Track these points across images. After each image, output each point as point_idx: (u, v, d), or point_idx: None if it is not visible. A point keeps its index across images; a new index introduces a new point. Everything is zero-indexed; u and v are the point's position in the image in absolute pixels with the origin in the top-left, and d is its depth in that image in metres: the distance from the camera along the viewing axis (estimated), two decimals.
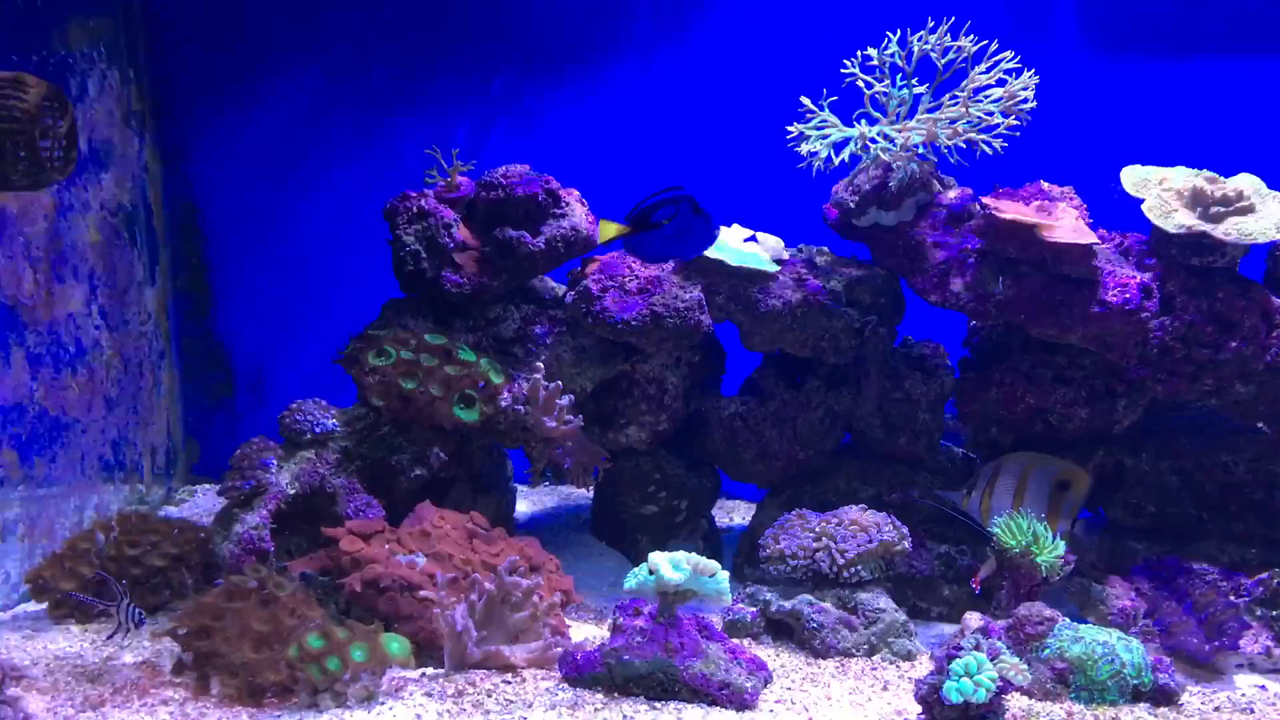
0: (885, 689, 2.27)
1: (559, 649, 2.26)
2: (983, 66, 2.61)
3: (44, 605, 2.53)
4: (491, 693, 2.12)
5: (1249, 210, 2.55)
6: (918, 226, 2.77)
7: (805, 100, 2.72)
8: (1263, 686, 2.37)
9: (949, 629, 2.64)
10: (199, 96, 3.66)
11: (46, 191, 2.84)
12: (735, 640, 2.51)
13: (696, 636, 2.19)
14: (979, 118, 2.60)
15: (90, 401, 3.12)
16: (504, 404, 2.75)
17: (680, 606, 2.21)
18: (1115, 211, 2.74)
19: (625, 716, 2.02)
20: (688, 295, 2.75)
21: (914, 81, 2.70)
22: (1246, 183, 2.62)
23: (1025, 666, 2.02)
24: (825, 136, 2.68)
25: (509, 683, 2.18)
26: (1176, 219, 2.55)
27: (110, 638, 2.30)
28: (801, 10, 3.61)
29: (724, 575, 2.20)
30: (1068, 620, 2.32)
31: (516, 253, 2.79)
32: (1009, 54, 2.61)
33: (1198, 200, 2.57)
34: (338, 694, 2.05)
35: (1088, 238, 2.53)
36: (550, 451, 2.83)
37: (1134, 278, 2.58)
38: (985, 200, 2.66)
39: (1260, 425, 2.80)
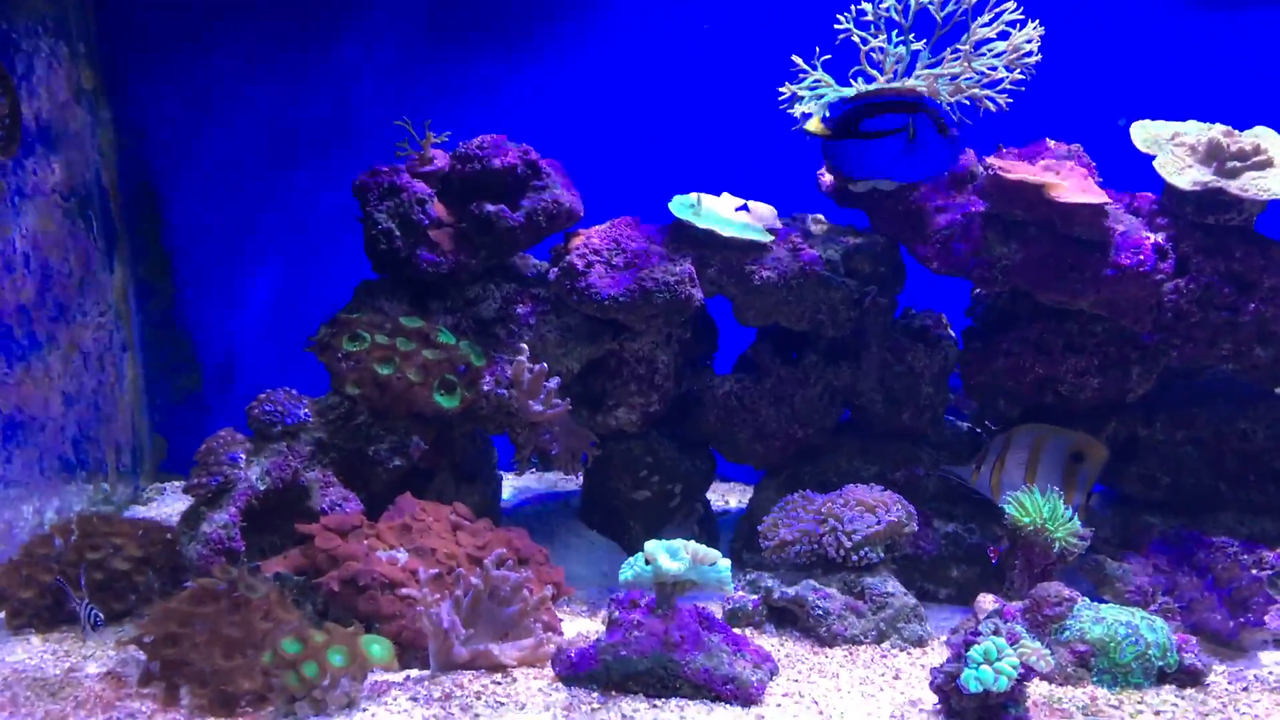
0: (897, 678, 2.15)
1: (552, 646, 2.14)
2: (985, 18, 2.48)
3: (1, 615, 2.38)
4: (481, 695, 2.00)
5: (1268, 164, 2.43)
6: (918, 190, 2.63)
7: (798, 59, 2.58)
8: None
9: (959, 612, 2.53)
10: (156, 73, 3.47)
11: None
12: (737, 630, 2.39)
13: (697, 629, 2.07)
14: (982, 73, 2.46)
15: (47, 398, 2.95)
16: (486, 388, 2.62)
17: (679, 597, 2.08)
18: (1124, 170, 2.62)
19: (624, 716, 1.91)
20: (678, 268, 2.61)
21: (911, 37, 2.56)
22: (1265, 135, 2.51)
23: (1047, 652, 1.91)
24: (820, 97, 2.54)
25: (499, 683, 2.06)
26: (1191, 175, 2.43)
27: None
28: None
29: (725, 564, 2.08)
30: (1087, 600, 2.21)
31: (495, 228, 2.64)
32: (1011, 4, 2.47)
33: (1213, 155, 2.45)
34: (316, 701, 1.94)
35: (1098, 197, 2.40)
36: (536, 437, 2.69)
37: (1148, 238, 2.45)
38: (989, 160, 2.53)
39: (1277, 390, 2.69)
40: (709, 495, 3.22)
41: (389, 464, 2.55)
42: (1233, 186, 2.40)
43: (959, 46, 2.50)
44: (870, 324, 2.76)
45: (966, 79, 2.47)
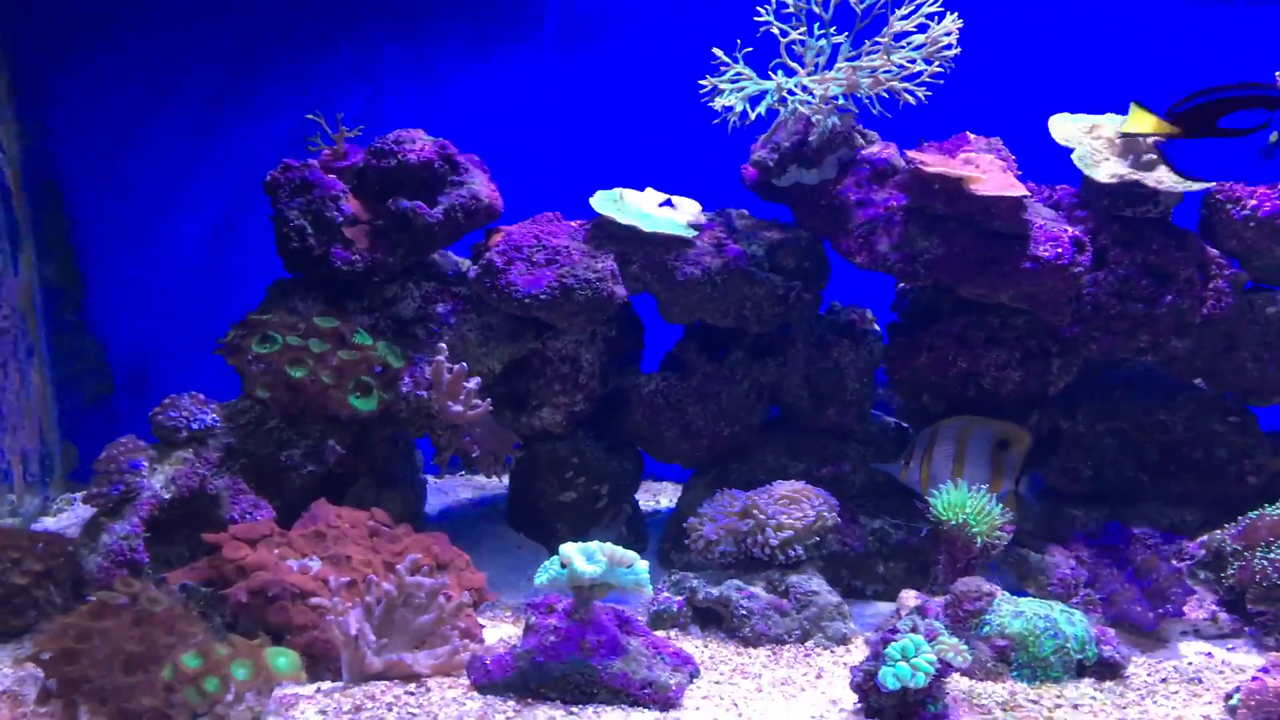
0: (819, 677, 2.13)
1: (467, 654, 2.07)
2: (903, 11, 2.46)
3: None
4: (393, 706, 1.93)
5: None
6: (841, 184, 2.61)
7: (718, 52, 2.54)
8: (1209, 654, 2.29)
9: (886, 608, 2.51)
10: (58, 67, 3.33)
11: None
12: (661, 632, 2.35)
13: (616, 632, 2.02)
14: (901, 65, 2.44)
15: None
16: (405, 390, 2.55)
17: (597, 601, 2.04)
18: (1045, 164, 2.62)
19: None
20: (599, 265, 2.56)
21: (832, 30, 2.54)
22: None
23: (965, 647, 1.89)
24: (740, 90, 2.51)
25: (412, 694, 2.00)
26: (1107, 168, 2.43)
27: None
28: None
29: (643, 565, 2.03)
30: (1007, 594, 2.21)
31: (412, 225, 2.57)
32: None
33: (1129, 147, 2.46)
34: (219, 717, 1.86)
35: (1017, 190, 2.40)
36: (457, 439, 2.63)
37: (1066, 231, 2.45)
38: (910, 154, 2.51)
39: (1198, 381, 2.71)
40: (640, 495, 3.18)
41: (303, 470, 2.47)
42: (1149, 179, 2.41)
43: (879, 40, 2.48)
44: (795, 320, 2.73)
45: (885, 72, 2.45)
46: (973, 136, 2.58)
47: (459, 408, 2.52)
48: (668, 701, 1.95)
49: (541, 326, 2.68)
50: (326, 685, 2.05)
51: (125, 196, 3.41)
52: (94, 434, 3.39)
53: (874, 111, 2.48)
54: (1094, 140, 2.48)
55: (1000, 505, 2.39)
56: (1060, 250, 2.42)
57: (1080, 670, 2.11)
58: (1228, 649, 2.32)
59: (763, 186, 2.72)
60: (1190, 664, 2.23)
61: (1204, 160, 2.13)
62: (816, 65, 2.54)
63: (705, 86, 2.55)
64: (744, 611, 2.32)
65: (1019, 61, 3.34)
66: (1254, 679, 1.90)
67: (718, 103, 2.52)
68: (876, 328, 2.84)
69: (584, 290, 2.53)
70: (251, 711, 1.88)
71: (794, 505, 2.39)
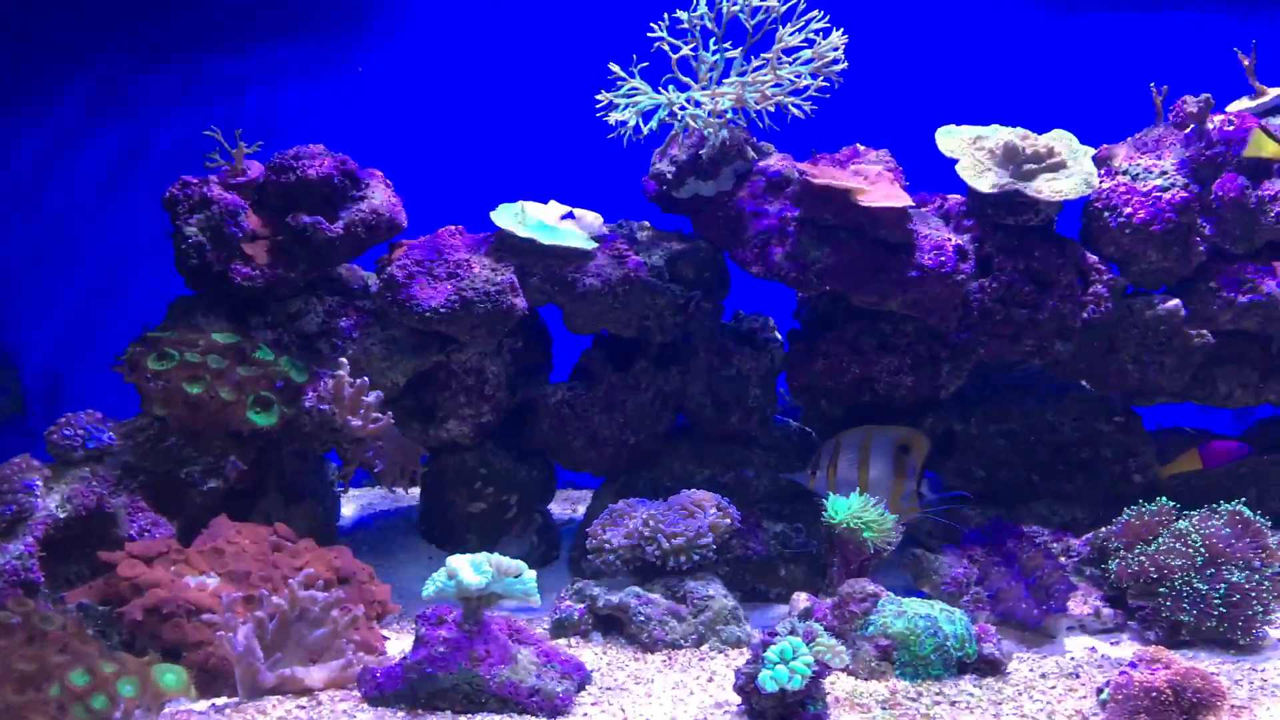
0: (711, 680, 2.17)
1: (359, 666, 2.09)
2: (792, 27, 2.52)
3: None
4: None
5: (1061, 166, 2.52)
6: (737, 196, 2.66)
7: (614, 67, 2.58)
8: (1092, 648, 2.35)
9: (787, 610, 2.56)
10: None
11: None
12: (563, 640, 2.39)
13: (506, 641, 2.05)
14: (789, 80, 2.50)
15: None
16: (308, 404, 2.57)
17: (486, 610, 2.07)
18: (944, 174, 2.69)
19: None
20: (499, 278, 2.59)
21: (727, 45, 2.59)
22: (1058, 139, 2.60)
23: (843, 648, 1.94)
24: (635, 105, 2.55)
25: (303, 708, 2.01)
26: (990, 178, 2.50)
27: None
28: None
29: (530, 575, 2.06)
30: (891, 595, 2.26)
31: (312, 240, 2.59)
32: (818, 13, 2.51)
33: (1010, 158, 2.53)
34: None
35: (902, 200, 2.46)
36: (361, 453, 2.64)
37: (949, 240, 2.52)
38: (800, 166, 2.57)
39: (1083, 383, 2.79)
40: (559, 504, 3.20)
41: (203, 486, 2.48)
42: (1029, 189, 2.48)
43: (767, 55, 2.53)
44: (697, 329, 2.78)
45: (774, 86, 2.51)
46: (863, 148, 2.64)
47: (359, 422, 2.54)
48: (555, 709, 1.98)
49: (446, 339, 2.71)
50: (220, 701, 2.06)
51: (35, 209, 3.38)
52: (5, 453, 3.36)
53: (761, 125, 2.54)
54: (977, 151, 2.55)
55: (893, 509, 2.45)
56: (944, 259, 2.49)
57: (962, 668, 2.17)
58: (1111, 643, 2.39)
59: (663, 198, 2.77)
60: (1072, 659, 2.29)
61: None
62: (711, 79, 2.59)
63: (601, 101, 2.59)
64: (642, 618, 2.35)
65: (922, 73, 3.42)
66: (1121, 673, 1.96)
67: (612, 117, 2.56)
68: (778, 335, 2.89)
69: (484, 303, 2.56)
70: None
71: (688, 514, 2.43)
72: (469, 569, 2.01)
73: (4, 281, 3.43)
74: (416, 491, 3.01)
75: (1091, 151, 2.66)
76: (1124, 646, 2.37)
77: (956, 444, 2.77)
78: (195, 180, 2.59)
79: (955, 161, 2.60)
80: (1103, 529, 2.51)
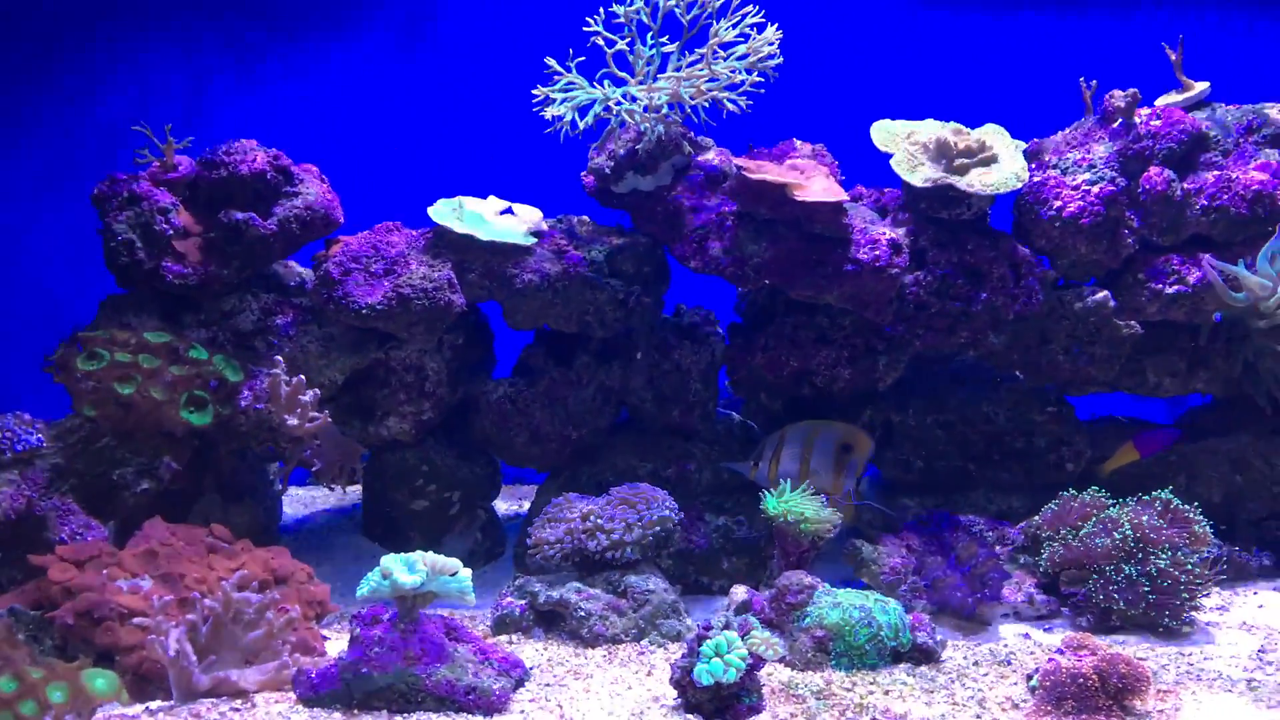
0: (650, 674, 2.18)
1: (295, 668, 2.07)
2: (727, 22, 2.52)
3: None
4: None
5: (992, 160, 2.56)
6: (675, 190, 2.67)
7: (551, 61, 2.57)
8: (1026, 635, 2.39)
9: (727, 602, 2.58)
10: None
11: None
12: (504, 636, 2.39)
13: (442, 640, 2.05)
14: (725, 75, 2.51)
15: None
16: (244, 404, 2.53)
17: (422, 609, 2.06)
18: (882, 167, 2.71)
19: None
20: (437, 275, 2.58)
21: (664, 40, 2.59)
22: (990, 133, 2.63)
23: (777, 641, 1.96)
24: (572, 99, 2.54)
25: (238, 710, 1.99)
26: (922, 173, 2.53)
27: None
28: None
29: (466, 573, 2.06)
30: (827, 586, 2.29)
31: (245, 237, 2.56)
32: (752, 8, 2.52)
33: (943, 153, 2.56)
34: None
35: (837, 195, 2.48)
36: (299, 452, 2.62)
37: (884, 234, 2.55)
38: (738, 161, 2.58)
39: (1017, 374, 2.84)
40: (505, 500, 3.20)
41: (136, 488, 2.44)
42: (961, 183, 2.51)
43: (702, 50, 2.54)
44: (637, 324, 2.78)
45: (710, 81, 2.51)
46: (799, 143, 2.66)
47: (296, 420, 2.51)
48: (492, 706, 1.98)
49: (384, 336, 2.69)
50: (155, 705, 2.03)
51: None
52: None
53: (697, 120, 2.54)
54: (911, 145, 2.57)
55: (831, 503, 2.48)
56: (878, 254, 2.51)
57: (896, 657, 2.19)
58: (1044, 630, 2.43)
59: (602, 193, 2.77)
60: (1006, 646, 2.33)
61: None
62: (648, 74, 2.59)
63: (539, 96, 2.58)
64: (582, 613, 2.35)
65: (859, 68, 3.45)
66: (1049, 660, 2.01)
67: (549, 112, 2.55)
68: (719, 329, 2.90)
69: (420, 300, 2.54)
70: None
71: (628, 508, 2.44)
72: (403, 568, 2.01)
73: None
74: (357, 490, 2.99)
75: (1023, 146, 2.70)
76: (1057, 633, 2.41)
77: (895, 435, 2.80)
78: (124, 177, 2.55)
79: (891, 156, 2.62)
80: (1035, 517, 2.56)
